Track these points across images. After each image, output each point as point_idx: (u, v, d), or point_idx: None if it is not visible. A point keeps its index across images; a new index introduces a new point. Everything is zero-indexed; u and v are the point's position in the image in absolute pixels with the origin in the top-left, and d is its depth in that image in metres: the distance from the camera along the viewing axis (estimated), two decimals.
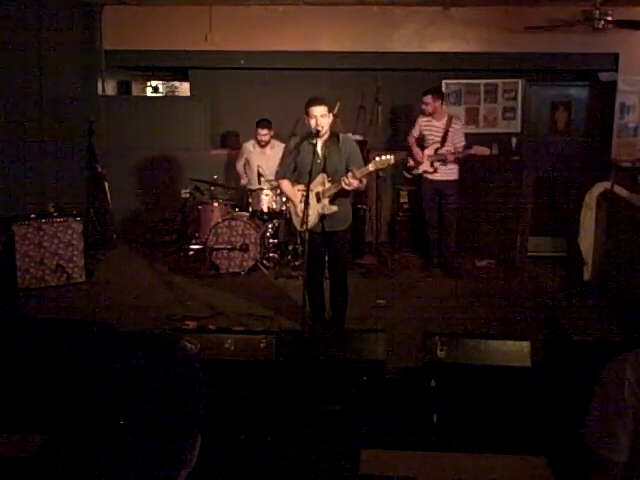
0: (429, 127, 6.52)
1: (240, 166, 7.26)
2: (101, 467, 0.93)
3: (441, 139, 6.43)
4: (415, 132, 6.63)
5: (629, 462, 1.52)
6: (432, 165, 6.47)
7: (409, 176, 6.73)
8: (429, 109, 6.44)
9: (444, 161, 6.40)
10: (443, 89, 7.66)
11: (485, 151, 6.38)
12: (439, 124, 6.46)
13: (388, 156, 4.42)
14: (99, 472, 0.93)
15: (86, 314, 5.16)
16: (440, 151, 6.43)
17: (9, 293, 5.07)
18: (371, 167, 4.46)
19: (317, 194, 4.56)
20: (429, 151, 6.50)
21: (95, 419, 0.92)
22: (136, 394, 0.93)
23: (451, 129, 6.40)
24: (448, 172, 6.43)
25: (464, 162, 6.50)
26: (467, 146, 6.34)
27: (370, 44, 7.61)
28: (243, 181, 7.26)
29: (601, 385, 1.59)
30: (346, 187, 4.43)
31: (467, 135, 6.54)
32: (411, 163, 6.62)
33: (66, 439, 0.95)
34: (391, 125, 7.77)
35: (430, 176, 6.50)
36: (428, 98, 6.42)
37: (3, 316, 4.72)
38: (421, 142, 6.63)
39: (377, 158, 4.44)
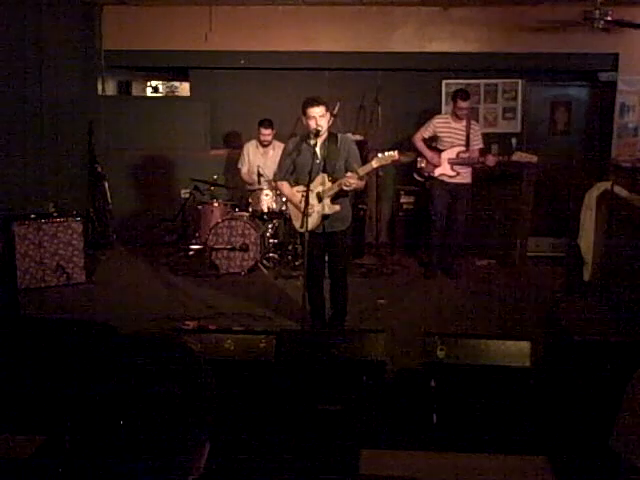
0: (448, 129, 6.28)
1: (245, 171, 7.13)
2: (104, 472, 0.91)
3: (465, 142, 6.22)
4: (427, 133, 6.35)
5: None
6: (452, 169, 6.25)
7: (420, 179, 6.49)
8: (464, 113, 6.20)
9: (470, 165, 6.22)
10: (443, 89, 7.66)
11: (532, 159, 6.13)
12: (459, 126, 6.25)
13: (391, 152, 4.42)
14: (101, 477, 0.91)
15: (86, 314, 5.16)
16: (463, 155, 6.22)
17: (9, 293, 5.07)
18: (374, 164, 4.46)
19: (318, 194, 4.55)
20: (450, 154, 6.25)
21: (97, 421, 0.91)
22: (141, 396, 0.91)
23: (471, 130, 6.24)
24: (463, 175, 6.28)
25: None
26: (508, 153, 6.13)
27: (370, 44, 7.60)
28: (249, 187, 7.03)
29: (631, 394, 1.57)
30: (345, 188, 4.43)
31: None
32: (423, 165, 6.38)
33: (67, 442, 0.93)
34: (391, 125, 7.76)
35: (446, 179, 6.29)
36: (466, 104, 6.16)
37: (3, 316, 4.72)
38: (430, 143, 6.40)
39: (380, 155, 4.44)
